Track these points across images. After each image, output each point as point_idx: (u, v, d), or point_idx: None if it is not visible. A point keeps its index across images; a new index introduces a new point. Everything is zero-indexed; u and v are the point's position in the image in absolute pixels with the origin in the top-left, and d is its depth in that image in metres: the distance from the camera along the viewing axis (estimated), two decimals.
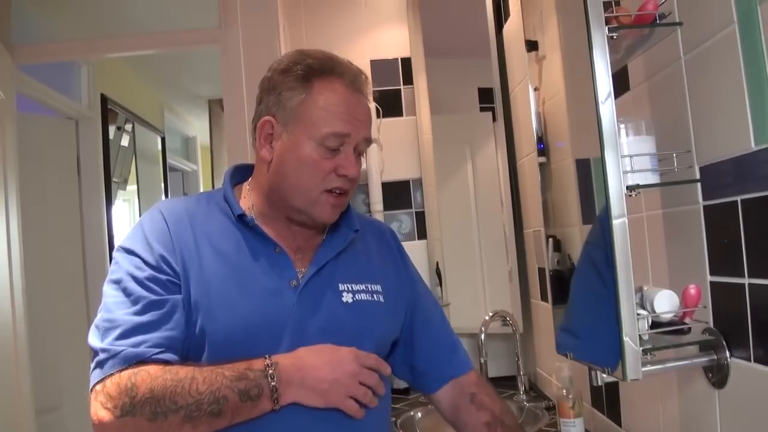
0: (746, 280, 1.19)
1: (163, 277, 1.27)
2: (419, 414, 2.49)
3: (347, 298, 1.38)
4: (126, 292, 1.25)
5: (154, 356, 1.19)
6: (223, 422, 1.18)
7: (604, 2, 1.27)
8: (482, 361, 2.61)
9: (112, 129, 4.21)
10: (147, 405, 1.14)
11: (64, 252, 3.75)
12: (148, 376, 1.16)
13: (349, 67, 1.38)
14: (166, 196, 5.40)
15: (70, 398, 3.50)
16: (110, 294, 1.27)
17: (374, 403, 1.31)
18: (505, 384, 2.77)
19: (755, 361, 1.19)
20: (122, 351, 1.18)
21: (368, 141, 1.39)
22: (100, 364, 1.19)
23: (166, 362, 1.20)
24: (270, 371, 1.20)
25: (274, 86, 1.38)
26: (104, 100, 4.08)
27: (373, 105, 3.00)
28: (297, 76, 1.35)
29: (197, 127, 6.57)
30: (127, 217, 5.07)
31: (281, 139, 1.36)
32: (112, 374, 1.17)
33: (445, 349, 1.58)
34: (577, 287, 1.63)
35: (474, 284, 3.03)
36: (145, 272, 1.27)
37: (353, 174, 1.35)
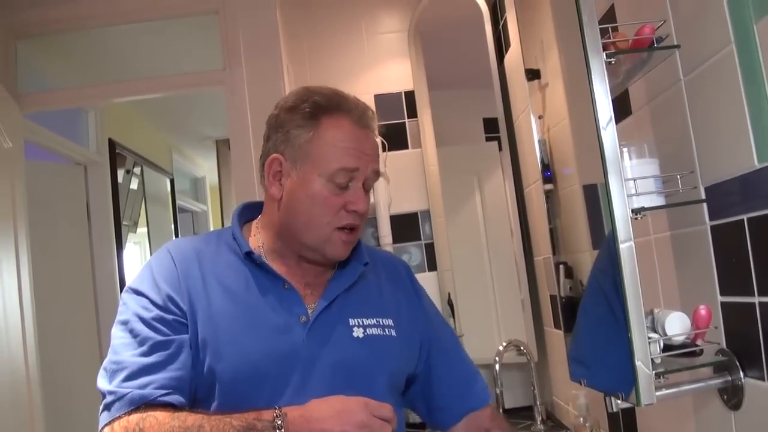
0: (756, 299, 1.19)
1: (169, 317, 1.28)
2: None
3: (358, 333, 1.37)
4: (132, 333, 1.26)
5: (160, 398, 1.19)
6: None
7: (601, 28, 1.28)
8: (498, 391, 2.58)
9: (120, 173, 4.24)
10: None
11: (76, 297, 3.75)
12: (156, 422, 1.15)
13: (356, 104, 1.39)
14: (177, 237, 5.42)
15: None
16: (117, 336, 1.28)
17: None
18: (522, 414, 2.75)
19: None
20: (128, 393, 1.18)
21: (377, 174, 1.39)
22: (108, 407, 1.19)
23: (172, 405, 1.20)
24: (278, 422, 1.16)
25: (282, 124, 1.38)
26: (112, 144, 4.11)
27: (378, 139, 3.01)
28: (304, 113, 1.36)
29: (205, 167, 6.61)
30: (138, 259, 5.09)
31: (290, 176, 1.37)
32: (120, 417, 1.17)
33: (463, 382, 1.56)
34: (586, 313, 1.62)
35: (487, 314, 3.01)
36: (152, 312, 1.27)
37: (363, 209, 1.35)
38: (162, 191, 5.27)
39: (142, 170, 4.73)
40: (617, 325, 1.32)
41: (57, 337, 3.40)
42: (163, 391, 1.20)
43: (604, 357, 1.45)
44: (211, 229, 6.61)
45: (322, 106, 1.36)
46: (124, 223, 4.19)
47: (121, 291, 3.91)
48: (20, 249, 2.74)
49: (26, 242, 2.80)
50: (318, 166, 1.34)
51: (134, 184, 4.57)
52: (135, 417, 1.16)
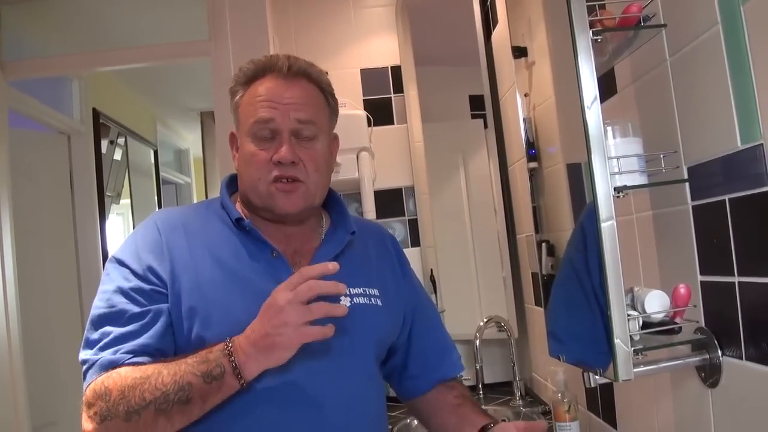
0: (736, 279, 1.20)
1: (147, 287, 1.29)
2: (416, 422, 2.49)
3: (345, 301, 1.37)
4: (110, 304, 1.27)
5: (127, 361, 1.21)
6: (194, 408, 1.18)
7: (588, 6, 1.28)
8: (478, 367, 2.61)
9: (104, 143, 4.21)
10: (120, 406, 1.15)
11: (58, 267, 3.74)
12: (119, 377, 1.18)
13: (286, 59, 1.40)
14: (160, 209, 5.39)
15: (65, 413, 3.48)
16: (97, 305, 1.29)
17: (335, 312, 1.21)
18: (501, 390, 2.77)
19: (747, 359, 1.19)
20: (99, 359, 1.21)
21: (307, 123, 1.38)
22: (84, 375, 1.22)
23: (140, 365, 1.22)
24: (229, 347, 1.19)
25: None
26: (96, 114, 4.07)
27: (363, 112, 3.01)
28: (240, 83, 1.43)
29: (190, 139, 6.57)
30: (121, 231, 5.06)
31: (238, 145, 1.44)
32: (90, 383, 1.20)
33: (438, 352, 1.59)
34: (559, 289, 1.64)
35: (469, 290, 3.03)
36: (132, 283, 1.29)
37: (284, 157, 1.34)
38: (146, 162, 5.24)
39: (126, 141, 4.69)
40: (587, 301, 1.34)
41: (39, 306, 3.40)
42: (131, 355, 1.22)
43: (576, 332, 1.47)
44: (195, 200, 6.58)
45: (252, 73, 1.41)
46: (107, 193, 4.16)
47: (103, 261, 3.90)
48: (2, 217, 2.73)
49: (8, 211, 2.78)
50: (242, 126, 1.41)
51: (118, 155, 4.54)
52: (101, 378, 1.19)
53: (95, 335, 1.25)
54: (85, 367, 1.22)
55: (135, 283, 1.29)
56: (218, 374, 1.17)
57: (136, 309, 1.26)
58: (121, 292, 1.28)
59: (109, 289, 1.29)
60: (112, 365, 1.20)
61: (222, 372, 1.17)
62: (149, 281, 1.29)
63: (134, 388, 1.15)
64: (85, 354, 1.24)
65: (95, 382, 1.19)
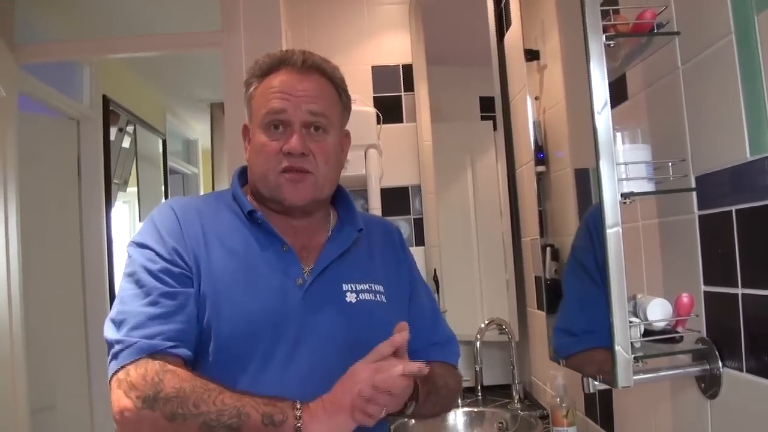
0: (739, 290, 1.20)
1: (176, 269, 1.28)
2: (413, 420, 2.49)
3: (351, 298, 1.38)
4: (139, 284, 1.26)
5: (168, 349, 1.20)
6: None
7: (602, 10, 1.28)
8: (477, 368, 2.61)
9: (113, 130, 4.21)
10: (170, 403, 1.14)
11: (62, 252, 3.73)
12: (177, 377, 1.17)
13: (300, 53, 1.41)
14: (167, 198, 5.39)
15: (64, 397, 3.49)
16: (124, 287, 1.28)
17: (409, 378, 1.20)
18: (499, 392, 2.77)
19: (747, 371, 1.19)
20: (136, 342, 1.19)
21: (320, 115, 1.39)
22: (116, 356, 1.20)
23: (179, 357, 1.22)
24: (298, 405, 1.16)
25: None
26: (106, 101, 4.07)
27: (373, 110, 3.00)
28: (255, 75, 1.43)
29: (199, 130, 6.57)
30: (126, 219, 5.07)
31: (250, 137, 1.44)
32: (130, 364, 1.18)
33: (432, 343, 1.56)
34: (570, 287, 1.63)
35: (471, 292, 3.03)
36: (159, 264, 1.28)
37: (294, 148, 1.34)
38: (154, 151, 5.24)
39: (134, 129, 4.69)
40: (601, 294, 1.33)
41: (42, 291, 3.40)
42: (171, 343, 1.21)
43: (592, 324, 1.46)
44: (202, 192, 6.58)
45: (267, 66, 1.42)
46: (114, 181, 4.16)
47: (108, 248, 3.91)
48: (9, 200, 2.73)
49: (15, 194, 2.78)
50: (255, 118, 1.41)
51: (126, 143, 4.54)
52: (154, 366, 1.17)
53: (125, 315, 1.23)
54: (118, 348, 1.20)
55: (162, 264, 1.28)
56: (279, 421, 1.15)
57: (166, 289, 1.25)
58: (149, 272, 1.27)
59: (135, 270, 1.28)
60: (150, 350, 1.19)
61: (283, 419, 1.15)
62: (177, 264, 1.29)
63: (193, 393, 1.14)
64: (113, 333, 1.22)
65: (145, 368, 1.17)
